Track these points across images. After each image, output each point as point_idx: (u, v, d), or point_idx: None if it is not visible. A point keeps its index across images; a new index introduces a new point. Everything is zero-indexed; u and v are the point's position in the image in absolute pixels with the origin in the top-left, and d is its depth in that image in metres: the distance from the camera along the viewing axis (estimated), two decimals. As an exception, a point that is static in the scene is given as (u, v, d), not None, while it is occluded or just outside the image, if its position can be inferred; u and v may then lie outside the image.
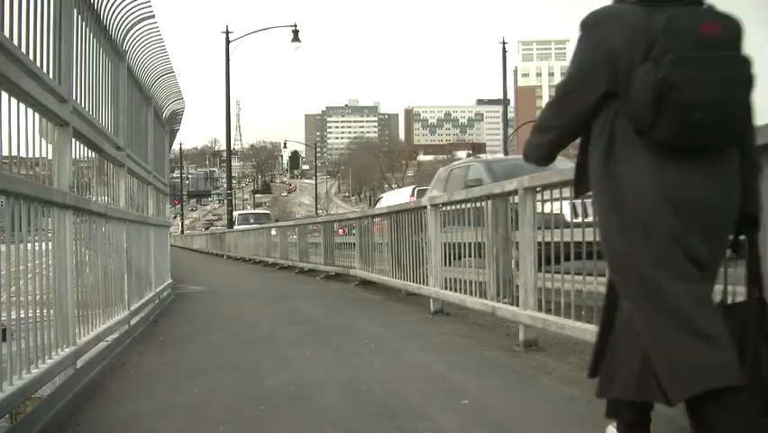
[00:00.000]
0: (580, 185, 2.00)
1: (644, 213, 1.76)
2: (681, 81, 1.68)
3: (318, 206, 61.76)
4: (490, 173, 7.98)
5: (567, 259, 3.14)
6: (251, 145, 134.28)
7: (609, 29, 1.80)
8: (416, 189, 18.70)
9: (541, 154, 2.06)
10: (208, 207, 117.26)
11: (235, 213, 31.11)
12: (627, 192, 1.78)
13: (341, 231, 10.67)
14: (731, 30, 1.77)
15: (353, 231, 9.49)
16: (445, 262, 5.57)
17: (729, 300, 1.93)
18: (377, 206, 19.14)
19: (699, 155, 1.75)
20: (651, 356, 1.77)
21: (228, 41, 23.59)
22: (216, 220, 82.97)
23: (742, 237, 1.90)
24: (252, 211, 37.51)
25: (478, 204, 4.90)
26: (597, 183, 1.87)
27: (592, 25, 1.86)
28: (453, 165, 10.29)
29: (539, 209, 3.89)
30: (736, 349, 1.70)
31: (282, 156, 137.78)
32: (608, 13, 1.85)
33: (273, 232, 15.55)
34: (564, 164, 4.29)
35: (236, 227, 23.94)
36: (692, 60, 1.69)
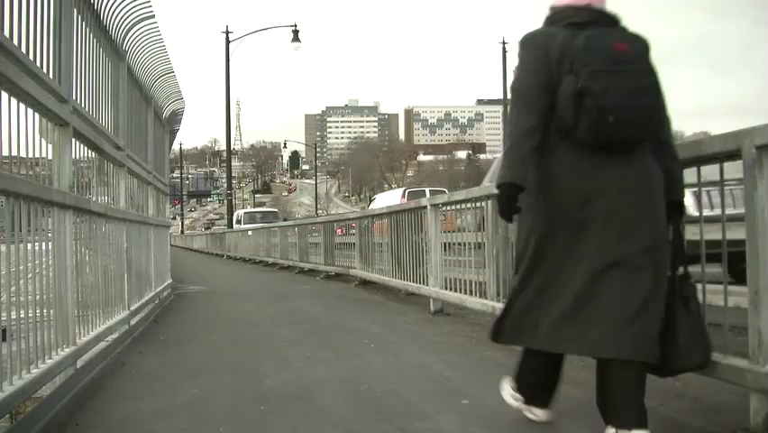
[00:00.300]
0: (525, 170, 2.23)
1: (559, 195, 2.16)
2: (595, 90, 2.07)
3: (318, 206, 61.80)
4: None
5: (696, 261, 2.45)
6: (251, 145, 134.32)
7: (549, 41, 2.19)
8: (407, 191, 19.04)
9: (526, 163, 2.25)
10: (208, 207, 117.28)
11: (241, 211, 29.94)
12: (545, 179, 2.18)
13: (339, 231, 10.66)
14: (638, 47, 2.18)
15: (352, 231, 9.47)
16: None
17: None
18: (370, 206, 19.51)
19: (616, 149, 2.14)
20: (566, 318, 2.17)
21: (228, 41, 23.62)
22: (218, 219, 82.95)
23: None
24: (260, 209, 35.58)
25: (478, 204, 4.90)
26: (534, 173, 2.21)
27: (531, 39, 2.25)
28: None
29: None
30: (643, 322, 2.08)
31: (282, 156, 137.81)
32: (543, 33, 2.25)
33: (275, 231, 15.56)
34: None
35: (242, 226, 22.88)
36: (605, 73, 2.08)
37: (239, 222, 25.86)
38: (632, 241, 2.13)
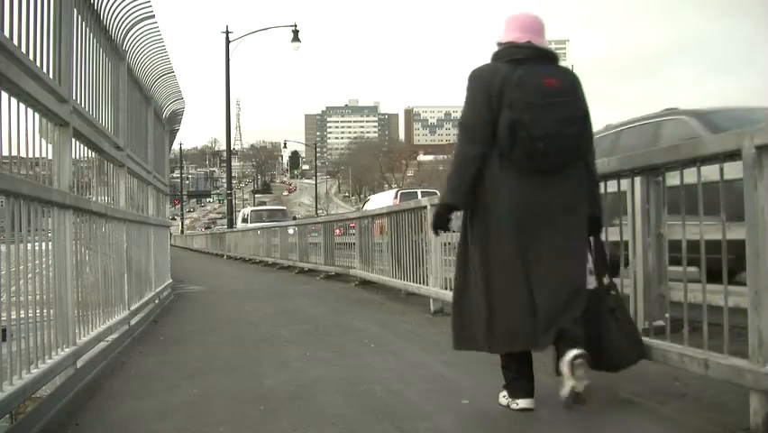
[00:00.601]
0: (467, 194, 2.61)
1: (495, 213, 2.51)
2: (526, 122, 2.41)
3: (318, 206, 61.79)
4: (710, 127, 5.23)
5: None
6: (251, 145, 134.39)
7: (490, 76, 2.52)
8: (400, 193, 19.29)
9: (468, 185, 2.60)
10: (208, 207, 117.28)
11: (248, 209, 28.29)
12: (487, 198, 2.52)
13: (337, 231, 10.66)
14: (567, 82, 2.51)
15: (351, 231, 9.49)
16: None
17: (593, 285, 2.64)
18: (364, 207, 19.85)
19: (550, 171, 2.49)
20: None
21: (228, 41, 23.59)
22: (220, 219, 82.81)
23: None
24: (267, 207, 32.95)
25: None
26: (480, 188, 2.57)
27: (477, 75, 2.58)
28: (626, 124, 6.64)
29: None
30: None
31: (282, 156, 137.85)
32: (486, 67, 2.60)
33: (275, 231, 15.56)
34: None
35: (249, 225, 21.58)
36: (535, 106, 2.42)
37: (245, 220, 24.48)
38: (569, 246, 2.54)
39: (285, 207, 31.82)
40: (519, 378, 2.62)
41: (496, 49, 2.65)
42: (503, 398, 2.68)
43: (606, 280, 2.68)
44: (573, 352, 2.39)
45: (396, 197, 17.97)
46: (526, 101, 2.43)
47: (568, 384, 2.39)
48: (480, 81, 2.55)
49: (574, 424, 2.49)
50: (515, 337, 2.51)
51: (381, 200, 18.39)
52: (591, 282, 2.68)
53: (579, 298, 2.54)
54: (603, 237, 2.75)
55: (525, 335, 2.51)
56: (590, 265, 2.69)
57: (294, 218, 24.75)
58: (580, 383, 2.39)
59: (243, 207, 33.52)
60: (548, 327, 2.47)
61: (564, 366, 2.40)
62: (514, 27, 2.64)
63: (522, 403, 2.60)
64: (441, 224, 2.65)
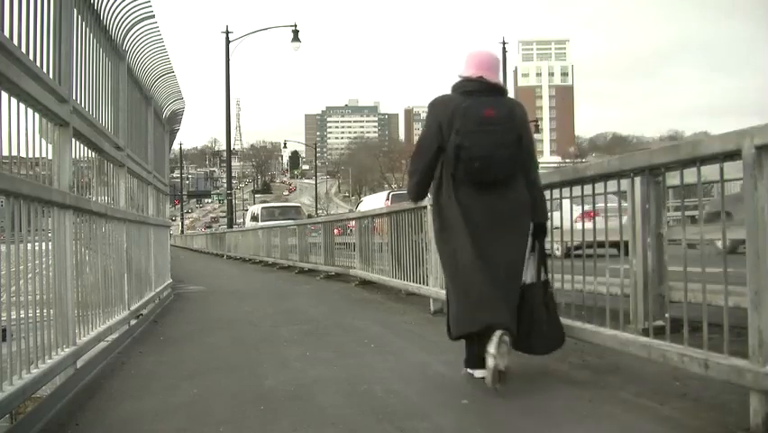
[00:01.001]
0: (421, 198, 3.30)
1: (451, 221, 3.00)
2: (466, 145, 2.89)
3: (318, 206, 61.77)
4: None
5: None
6: (251, 145, 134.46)
7: (441, 108, 3.03)
8: (391, 194, 19.48)
9: (416, 191, 3.22)
10: (208, 207, 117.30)
11: (257, 207, 24.85)
12: (443, 209, 3.05)
13: (336, 231, 10.67)
14: (504, 112, 2.97)
15: (348, 231, 9.47)
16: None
17: (530, 280, 3.11)
18: (357, 208, 19.90)
19: (492, 185, 2.97)
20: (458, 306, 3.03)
21: (228, 41, 23.60)
22: (223, 217, 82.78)
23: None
24: (279, 204, 28.03)
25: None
26: (433, 203, 3.17)
27: (433, 105, 3.10)
28: None
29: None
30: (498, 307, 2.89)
31: (282, 156, 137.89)
32: (442, 98, 3.09)
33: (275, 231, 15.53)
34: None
35: (259, 224, 19.33)
36: (474, 133, 2.90)
37: (255, 219, 21.80)
38: (508, 246, 3.00)
39: (299, 205, 27.39)
40: (474, 347, 3.07)
41: (455, 81, 3.15)
42: (466, 370, 3.19)
43: (543, 276, 3.15)
44: (500, 331, 2.82)
45: (387, 198, 18.35)
46: (468, 128, 2.92)
47: (491, 361, 2.77)
48: (434, 110, 3.11)
49: (575, 423, 2.49)
50: (485, 317, 2.89)
51: (374, 202, 18.85)
52: (531, 278, 3.13)
53: (515, 290, 3.02)
54: (546, 239, 3.20)
55: (492, 316, 2.88)
56: (532, 263, 3.14)
57: (308, 216, 23.60)
58: (502, 361, 2.78)
59: (251, 206, 28.60)
60: (505, 309, 2.92)
61: (491, 345, 2.78)
62: (470, 64, 3.10)
63: (479, 373, 3.03)
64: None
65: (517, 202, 3.02)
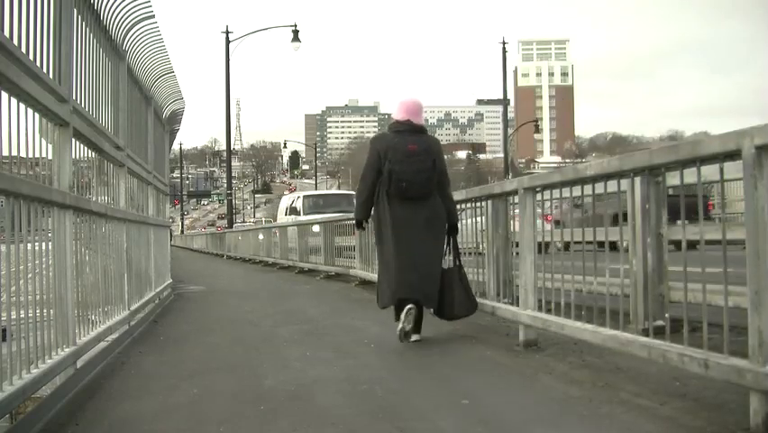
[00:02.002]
0: (366, 213, 4.36)
1: (383, 229, 4.18)
2: (396, 170, 4.05)
3: (318, 206, 61.54)
4: None
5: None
6: (251, 145, 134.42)
7: (380, 143, 4.22)
8: None
9: (363, 211, 4.35)
10: (208, 207, 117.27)
11: (297, 195, 18.30)
12: (380, 216, 4.19)
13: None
14: (423, 147, 4.13)
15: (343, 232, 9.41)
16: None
17: (448, 265, 4.35)
18: None
19: (416, 199, 4.12)
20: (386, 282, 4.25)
21: (228, 41, 23.60)
22: (220, 219, 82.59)
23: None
24: (327, 191, 22.04)
25: (478, 204, 4.90)
26: (373, 213, 4.30)
27: (374, 141, 4.31)
28: None
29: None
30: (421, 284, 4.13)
31: (282, 156, 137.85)
32: (380, 136, 4.35)
33: (275, 231, 15.49)
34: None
35: (301, 218, 14.49)
36: (401, 162, 4.06)
37: (294, 212, 16.24)
38: (424, 244, 4.17)
39: (352, 193, 22.31)
40: (401, 312, 4.15)
41: (392, 121, 4.37)
42: (397, 324, 4.19)
43: (458, 262, 4.41)
44: (409, 305, 4.07)
45: None
46: (397, 158, 4.11)
47: (399, 325, 4.09)
48: (374, 144, 4.30)
49: (574, 423, 2.49)
50: (405, 291, 4.12)
51: None
52: (449, 264, 4.39)
53: (433, 278, 4.22)
54: (458, 236, 4.50)
55: (404, 292, 4.12)
56: (450, 252, 4.40)
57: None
58: (408, 325, 4.09)
59: (286, 195, 22.01)
60: (406, 291, 4.13)
61: (402, 314, 4.06)
62: (401, 110, 4.31)
63: (401, 326, 4.13)
64: (359, 226, 4.61)
65: (435, 211, 4.22)
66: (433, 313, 4.34)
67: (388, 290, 4.19)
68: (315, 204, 16.20)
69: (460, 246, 4.47)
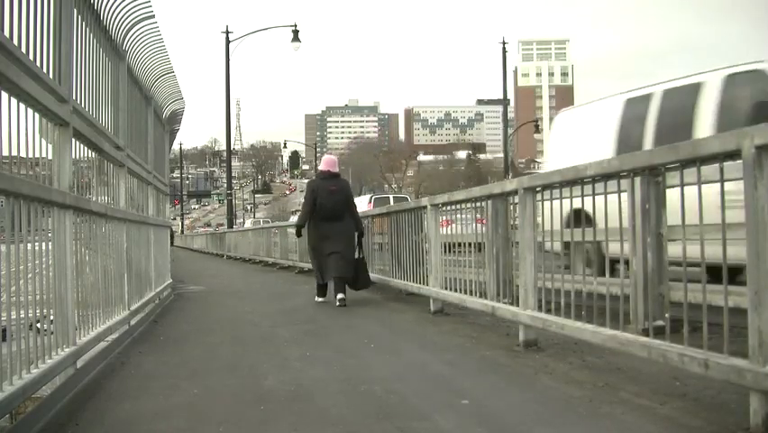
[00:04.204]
0: (304, 225, 7.07)
1: (315, 239, 6.87)
2: (321, 202, 6.73)
3: (318, 206, 61.45)
4: None
5: None
6: (251, 145, 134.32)
7: (314, 185, 6.91)
8: (374, 198, 20.09)
9: (303, 222, 7.01)
10: (208, 207, 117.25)
11: (365, 199, 21.12)
12: (310, 232, 6.93)
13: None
14: (339, 187, 6.86)
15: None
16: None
17: (357, 256, 6.97)
18: None
19: (332, 219, 6.75)
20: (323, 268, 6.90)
21: (228, 41, 23.60)
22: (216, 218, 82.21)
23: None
24: (386, 195, 23.75)
25: (478, 204, 4.91)
26: (307, 227, 7.02)
27: (310, 183, 7.09)
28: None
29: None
30: (338, 271, 6.71)
31: (282, 156, 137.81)
32: (314, 181, 7.08)
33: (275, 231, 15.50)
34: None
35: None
36: (325, 197, 6.74)
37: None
38: (341, 245, 6.69)
39: (406, 196, 24.92)
40: (321, 291, 6.92)
41: (318, 171, 7.09)
42: (316, 298, 6.93)
43: (361, 255, 6.93)
44: (340, 295, 6.46)
45: (370, 201, 19.70)
46: (323, 196, 6.68)
47: (322, 298, 6.88)
48: (310, 186, 6.94)
49: (574, 423, 2.49)
50: (324, 276, 6.78)
51: (358, 204, 18.52)
52: (357, 255, 6.86)
53: (349, 264, 6.71)
54: (363, 238, 7.12)
55: (327, 274, 6.70)
56: (357, 250, 6.91)
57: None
58: (340, 294, 6.49)
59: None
60: (335, 272, 6.59)
61: (337, 300, 6.42)
62: (324, 164, 7.01)
63: (319, 299, 6.89)
64: (298, 233, 7.31)
65: (346, 226, 6.81)
66: (348, 286, 6.75)
67: (320, 274, 6.86)
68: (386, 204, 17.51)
69: (364, 245, 7.17)
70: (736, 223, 2.35)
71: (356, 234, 6.84)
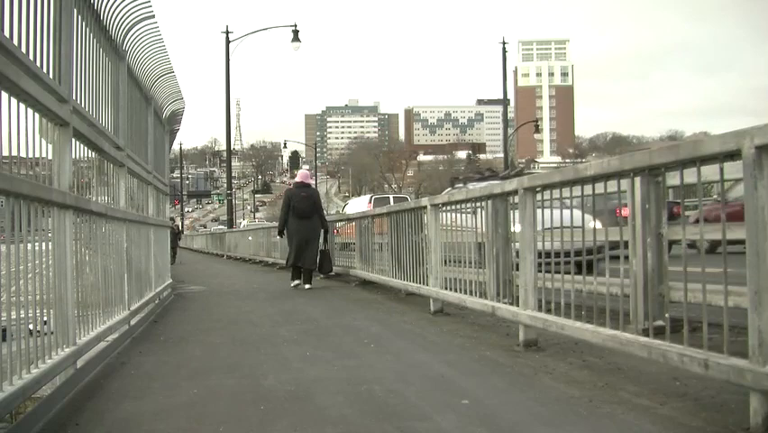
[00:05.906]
0: (283, 228, 9.36)
1: (290, 232, 9.13)
2: (295, 205, 9.08)
3: (318, 206, 61.51)
4: None
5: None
6: (251, 145, 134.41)
7: (290, 193, 9.36)
8: (373, 198, 20.39)
9: (283, 225, 9.29)
10: (208, 207, 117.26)
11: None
12: (289, 229, 9.18)
13: (334, 231, 10.72)
14: (309, 194, 9.22)
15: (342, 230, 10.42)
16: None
17: (323, 248, 9.53)
18: (343, 210, 20.93)
19: (304, 218, 9.08)
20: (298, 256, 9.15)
21: (228, 41, 23.63)
22: (215, 220, 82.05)
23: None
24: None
25: (478, 204, 4.91)
26: (285, 225, 9.33)
27: (287, 191, 9.60)
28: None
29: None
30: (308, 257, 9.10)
31: (282, 156, 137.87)
32: (291, 189, 9.47)
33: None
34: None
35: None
36: (299, 201, 9.08)
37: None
38: (309, 237, 9.00)
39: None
40: (295, 275, 9.06)
41: (294, 182, 9.43)
42: (291, 282, 9.12)
43: (326, 247, 9.53)
44: (307, 286, 8.78)
45: (370, 201, 19.98)
46: (296, 200, 9.02)
47: (296, 282, 9.03)
48: (287, 193, 9.38)
49: (574, 423, 2.49)
50: (296, 261, 8.96)
51: (358, 204, 20.34)
52: (322, 247, 9.36)
53: (315, 253, 9.04)
54: (328, 234, 9.83)
55: (297, 260, 8.94)
56: (322, 242, 9.46)
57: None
58: (302, 280, 8.90)
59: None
60: (302, 260, 8.90)
61: (305, 285, 8.81)
62: (300, 175, 9.51)
63: (294, 283, 9.02)
64: (280, 234, 9.56)
65: (315, 223, 9.03)
66: (314, 271, 9.09)
67: (291, 259, 8.93)
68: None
69: (329, 239, 9.79)
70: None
71: (322, 230, 9.28)
